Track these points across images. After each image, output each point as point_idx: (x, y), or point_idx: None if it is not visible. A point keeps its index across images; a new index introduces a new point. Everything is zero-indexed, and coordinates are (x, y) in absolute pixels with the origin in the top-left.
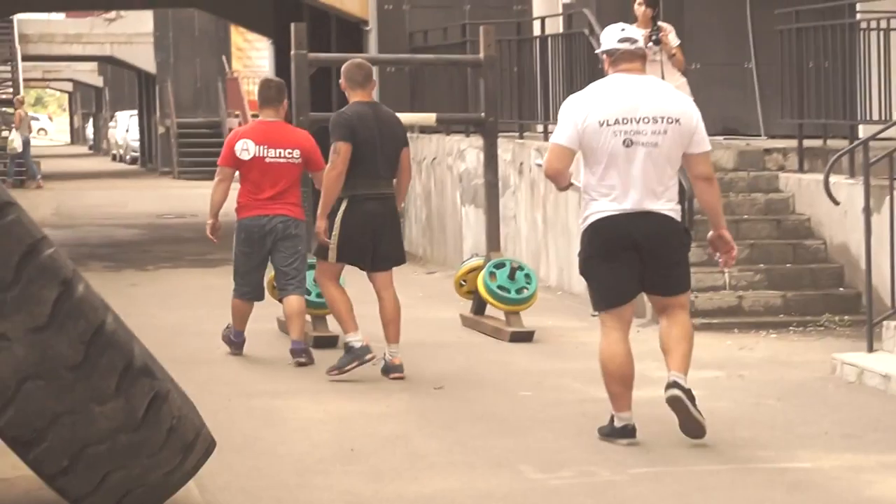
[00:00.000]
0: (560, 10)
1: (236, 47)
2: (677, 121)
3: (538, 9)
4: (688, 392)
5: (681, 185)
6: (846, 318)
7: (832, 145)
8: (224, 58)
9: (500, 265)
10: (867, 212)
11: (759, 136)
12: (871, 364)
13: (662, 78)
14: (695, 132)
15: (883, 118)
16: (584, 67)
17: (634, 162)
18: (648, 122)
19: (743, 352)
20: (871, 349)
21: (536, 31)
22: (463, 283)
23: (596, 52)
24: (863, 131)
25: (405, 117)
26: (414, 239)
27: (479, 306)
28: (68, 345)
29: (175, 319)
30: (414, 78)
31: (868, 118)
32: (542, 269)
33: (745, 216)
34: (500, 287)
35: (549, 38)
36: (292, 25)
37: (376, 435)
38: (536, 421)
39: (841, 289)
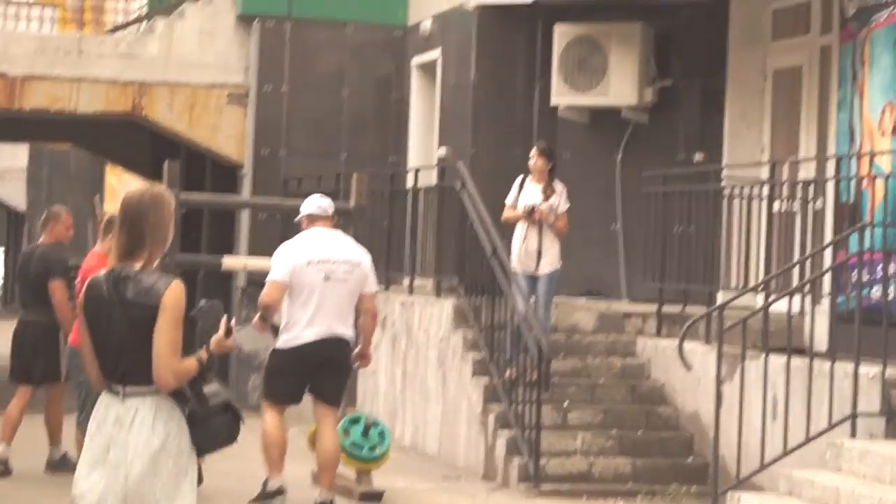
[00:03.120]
0: (434, 163)
1: (110, 188)
2: (359, 264)
3: (413, 160)
4: None
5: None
6: (693, 488)
7: (691, 311)
8: (97, 198)
9: (354, 421)
10: (718, 380)
11: (621, 298)
12: None
13: (539, 240)
14: (369, 275)
15: (741, 286)
16: (455, 220)
17: (330, 294)
18: (340, 263)
19: None
20: None
21: (410, 183)
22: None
23: (296, 220)
24: (721, 298)
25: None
26: None
27: None
28: None
29: None
30: (285, 225)
31: (727, 285)
32: (397, 427)
33: (601, 380)
34: (352, 444)
35: (422, 191)
36: (165, 164)
37: None
38: None
39: (690, 458)
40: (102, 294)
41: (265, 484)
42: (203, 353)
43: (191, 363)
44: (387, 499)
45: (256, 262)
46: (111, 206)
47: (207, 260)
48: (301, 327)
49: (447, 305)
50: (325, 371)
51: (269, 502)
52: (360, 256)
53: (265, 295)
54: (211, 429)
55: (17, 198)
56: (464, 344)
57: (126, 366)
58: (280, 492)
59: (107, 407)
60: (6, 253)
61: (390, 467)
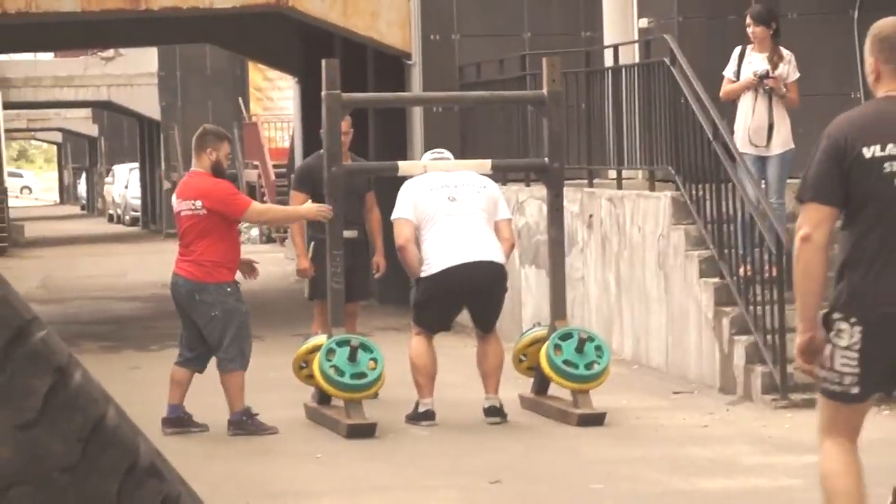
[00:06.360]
0: (636, 37)
1: (255, 87)
2: (484, 187)
3: (610, 36)
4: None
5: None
6: None
7: None
8: (241, 100)
9: (566, 336)
10: None
11: None
12: None
13: (770, 114)
14: (498, 199)
15: None
16: (664, 101)
17: (460, 214)
18: (462, 186)
19: None
20: None
21: (608, 62)
22: (523, 357)
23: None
24: None
25: (456, 164)
26: None
27: (542, 385)
28: (62, 443)
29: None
30: (465, 119)
31: None
32: (614, 339)
33: None
34: (565, 362)
35: (624, 69)
36: (323, 62)
37: None
38: None
39: None
40: None
41: (416, 405)
42: None
43: None
44: (610, 420)
45: (437, 163)
46: (257, 107)
47: (379, 167)
48: (439, 255)
49: (664, 198)
50: (474, 298)
51: (418, 423)
52: (485, 180)
53: (396, 237)
54: None
55: (150, 106)
56: (686, 241)
57: None
58: (427, 416)
59: None
60: (141, 168)
61: (610, 385)
